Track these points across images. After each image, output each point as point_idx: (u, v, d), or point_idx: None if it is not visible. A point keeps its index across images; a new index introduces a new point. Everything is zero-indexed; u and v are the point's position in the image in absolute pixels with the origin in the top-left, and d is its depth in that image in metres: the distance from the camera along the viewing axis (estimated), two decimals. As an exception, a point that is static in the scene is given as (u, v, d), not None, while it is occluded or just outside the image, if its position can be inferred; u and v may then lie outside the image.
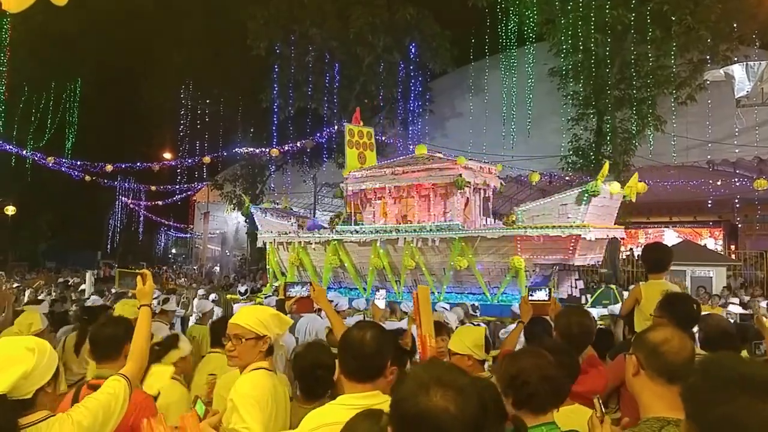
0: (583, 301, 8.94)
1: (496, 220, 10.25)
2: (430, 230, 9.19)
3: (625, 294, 10.20)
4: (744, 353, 3.82)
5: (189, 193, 25.40)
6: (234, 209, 22.60)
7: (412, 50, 20.35)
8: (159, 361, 3.11)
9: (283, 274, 11.17)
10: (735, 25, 13.92)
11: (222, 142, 22.53)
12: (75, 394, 2.41)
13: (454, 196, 9.18)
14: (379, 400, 1.89)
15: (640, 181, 14.43)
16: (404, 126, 21.49)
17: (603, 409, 1.84)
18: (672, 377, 1.63)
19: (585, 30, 14.46)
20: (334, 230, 10.41)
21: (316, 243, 10.55)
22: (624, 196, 8.99)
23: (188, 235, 31.72)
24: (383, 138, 20.23)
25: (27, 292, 11.82)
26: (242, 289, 11.65)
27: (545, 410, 1.86)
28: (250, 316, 2.32)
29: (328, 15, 19.19)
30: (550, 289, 3.81)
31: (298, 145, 19.32)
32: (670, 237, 21.37)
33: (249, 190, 22.84)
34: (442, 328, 3.92)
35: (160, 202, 26.25)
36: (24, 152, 21.12)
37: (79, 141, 24.27)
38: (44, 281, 15.57)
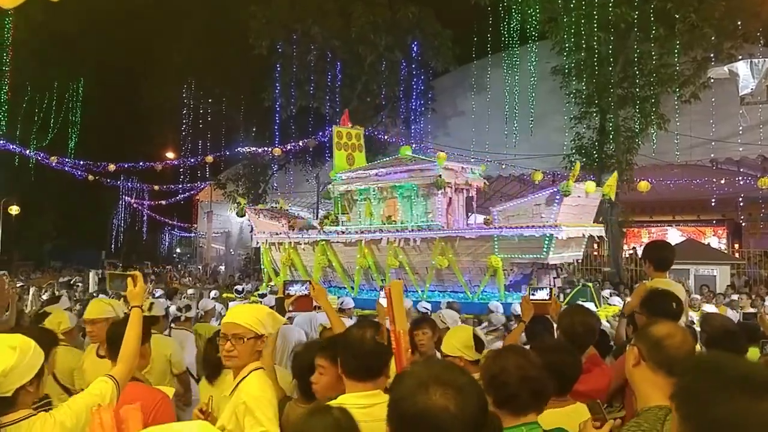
0: (561, 298, 9.04)
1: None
2: (412, 230, 9.42)
3: (607, 293, 10.41)
4: (755, 352, 3.81)
5: (192, 192, 25.46)
6: (235, 209, 22.68)
7: (414, 49, 20.31)
8: None
9: (276, 273, 11.41)
10: (739, 23, 13.84)
11: (224, 142, 22.59)
12: None
13: (435, 196, 9.35)
14: (380, 399, 1.90)
15: (643, 180, 14.56)
16: (406, 125, 21.47)
17: (604, 412, 1.80)
18: (672, 370, 1.66)
19: (588, 28, 14.39)
20: (321, 231, 10.67)
21: (305, 243, 10.82)
22: (603, 195, 9.12)
23: (192, 235, 31.79)
24: (385, 137, 20.23)
25: (31, 290, 11.87)
26: (239, 287, 11.80)
27: (525, 412, 1.80)
28: (249, 314, 2.26)
29: (330, 14, 19.17)
30: (551, 289, 3.76)
31: (301, 144, 19.35)
32: (674, 235, 21.29)
33: (252, 189, 22.90)
34: (423, 321, 3.89)
35: (163, 202, 26.32)
36: (27, 152, 21.22)
37: (81, 141, 24.36)
38: (48, 280, 15.63)
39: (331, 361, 2.25)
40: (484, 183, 10.40)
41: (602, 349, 3.44)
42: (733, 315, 7.08)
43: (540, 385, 1.84)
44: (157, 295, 10.58)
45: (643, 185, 14.15)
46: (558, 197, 8.29)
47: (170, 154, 24.35)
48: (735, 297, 9.50)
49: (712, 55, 14.21)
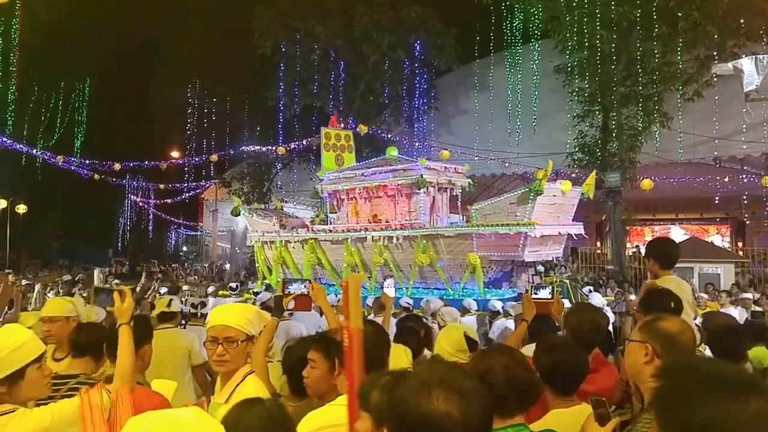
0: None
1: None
2: (395, 229, 9.69)
3: (587, 290, 10.52)
4: (761, 351, 3.78)
5: (197, 191, 25.62)
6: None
7: (417, 48, 20.34)
8: None
9: (270, 271, 11.71)
10: (742, 21, 13.80)
11: (229, 141, 22.72)
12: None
13: (418, 195, 9.58)
14: None
15: (646, 178, 14.56)
16: (409, 123, 21.52)
17: (609, 411, 1.73)
18: None
19: (590, 26, 14.40)
20: (311, 229, 11.01)
21: (295, 242, 11.11)
22: (582, 194, 9.27)
23: (198, 233, 31.98)
24: (389, 135, 20.30)
25: (36, 288, 12.02)
26: (234, 284, 12.15)
27: (512, 413, 1.73)
28: (239, 315, 2.16)
29: (333, 13, 19.23)
30: (553, 287, 3.73)
31: (304, 143, 19.45)
32: (677, 234, 21.25)
33: (256, 188, 23.03)
34: (381, 309, 3.89)
35: (168, 200, 26.49)
36: (34, 151, 21.44)
37: (87, 140, 24.56)
38: (54, 278, 15.81)
39: (323, 354, 2.22)
40: (469, 182, 10.62)
41: (605, 347, 3.41)
42: (739, 313, 7.09)
43: (527, 385, 1.78)
44: (162, 292, 10.78)
45: (646, 183, 14.16)
46: (531, 196, 8.51)
47: (175, 153, 24.50)
48: (748, 295, 9.41)
49: (715, 53, 14.17)
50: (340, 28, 19.29)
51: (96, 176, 21.23)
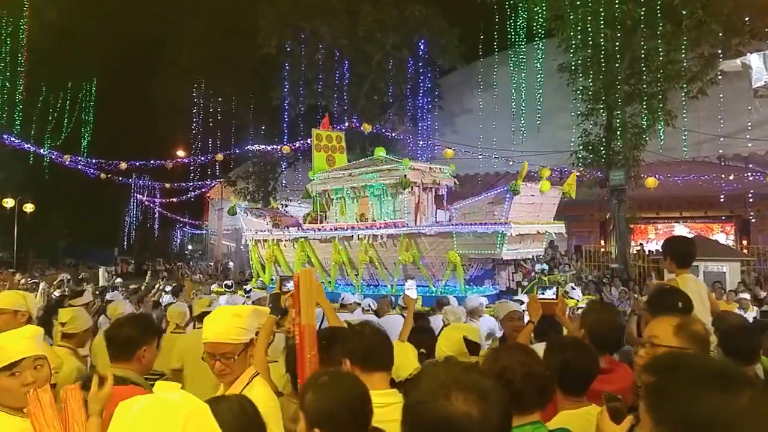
0: (520, 291, 9.70)
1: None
2: (379, 227, 9.99)
3: (570, 287, 10.66)
4: None
5: (203, 190, 25.75)
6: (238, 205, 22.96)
7: (421, 47, 20.39)
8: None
9: (263, 269, 12.05)
10: (747, 19, 13.77)
11: (234, 140, 22.83)
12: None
13: (402, 195, 9.84)
14: (396, 399, 1.88)
15: (650, 176, 14.57)
16: (413, 122, 21.57)
17: (623, 406, 1.64)
18: None
19: (594, 25, 14.42)
20: (301, 228, 11.34)
21: (286, 240, 11.41)
22: (564, 194, 9.43)
23: (203, 232, 32.14)
24: (393, 134, 20.36)
25: (41, 286, 12.14)
26: (229, 282, 12.36)
27: (531, 410, 1.71)
28: (230, 326, 2.05)
29: (338, 13, 19.31)
30: (557, 288, 3.73)
31: (309, 142, 19.50)
32: (681, 232, 21.23)
33: (261, 186, 23.15)
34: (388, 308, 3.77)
35: (174, 199, 26.64)
36: (41, 151, 21.63)
37: (94, 139, 24.76)
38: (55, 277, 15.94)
39: (322, 351, 2.16)
40: (455, 182, 10.85)
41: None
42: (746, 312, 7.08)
43: (544, 381, 1.77)
44: (167, 291, 10.91)
45: (651, 181, 14.17)
46: (508, 195, 8.71)
47: (181, 153, 24.63)
48: (745, 296, 9.36)
49: (720, 51, 14.16)
50: (344, 28, 19.36)
51: (102, 175, 21.36)
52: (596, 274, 16.08)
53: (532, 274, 15.03)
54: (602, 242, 21.15)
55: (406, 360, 2.51)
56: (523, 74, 18.15)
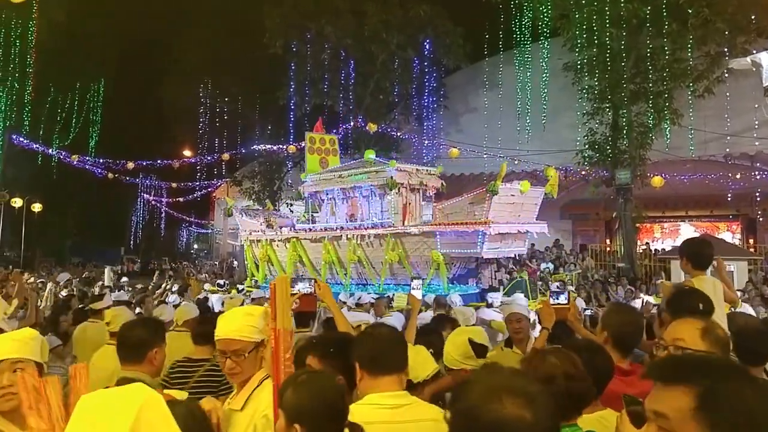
0: (501, 291, 9.88)
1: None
2: (366, 228, 10.27)
3: (555, 286, 10.90)
4: None
5: (209, 189, 25.87)
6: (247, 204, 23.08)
7: (426, 46, 20.43)
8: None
9: (258, 269, 12.31)
10: (753, 17, 13.75)
11: (240, 140, 22.92)
12: None
13: (389, 195, 10.08)
14: (407, 400, 1.87)
15: (656, 175, 14.56)
16: (419, 122, 21.61)
17: (643, 409, 1.64)
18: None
19: (600, 24, 14.42)
20: (293, 228, 11.66)
21: (278, 240, 11.71)
22: (546, 194, 9.68)
23: (209, 231, 32.29)
24: (398, 134, 20.42)
25: (48, 286, 12.25)
26: (221, 281, 12.58)
27: (572, 416, 1.71)
28: (243, 324, 2.06)
29: (343, 12, 19.38)
30: (569, 293, 3.71)
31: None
32: (687, 231, 21.17)
33: (267, 186, 23.23)
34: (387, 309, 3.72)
35: (180, 199, 26.78)
36: (50, 151, 21.81)
37: (101, 139, 24.91)
38: (67, 276, 16.06)
39: (320, 360, 2.10)
40: (442, 184, 11.14)
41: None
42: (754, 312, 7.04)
43: (585, 387, 1.76)
44: (175, 290, 11.01)
45: (657, 180, 14.15)
46: (488, 196, 8.92)
47: (187, 152, 24.79)
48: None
49: (725, 49, 14.14)
50: (349, 28, 19.42)
51: (110, 175, 21.52)
52: (602, 273, 16.07)
53: (538, 273, 15.09)
54: (608, 241, 21.12)
55: (421, 361, 2.50)
56: (528, 73, 18.16)
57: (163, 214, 29.54)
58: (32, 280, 14.03)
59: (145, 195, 27.57)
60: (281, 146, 20.30)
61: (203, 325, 3.11)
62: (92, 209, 28.23)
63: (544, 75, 17.60)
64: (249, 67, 21.13)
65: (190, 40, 21.74)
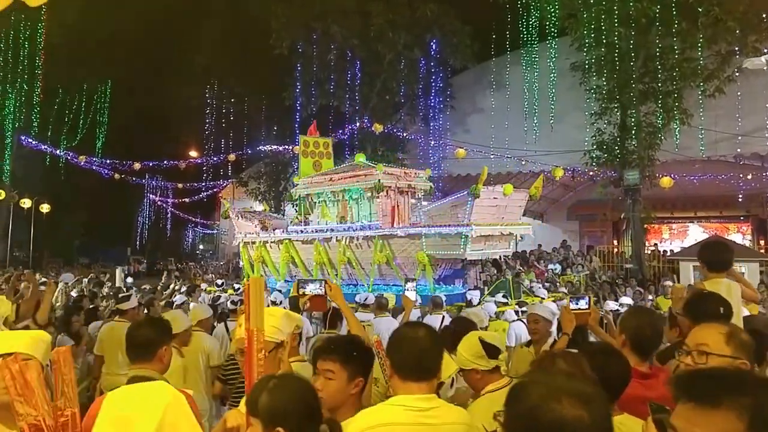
0: (485, 291, 10.20)
1: None
2: (355, 230, 10.56)
3: (537, 285, 10.97)
4: None
5: (215, 190, 25.94)
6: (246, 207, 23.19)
7: (433, 46, 20.37)
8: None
9: (253, 270, 12.61)
10: (764, 15, 13.61)
11: (246, 140, 22.96)
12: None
13: (378, 198, 10.36)
14: (436, 403, 1.86)
15: (665, 176, 14.43)
16: (425, 122, 21.54)
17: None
18: None
19: (608, 23, 14.32)
20: (285, 230, 11.95)
21: (272, 242, 12.01)
22: (530, 197, 9.94)
23: (215, 232, 32.38)
24: (404, 134, 20.36)
25: (59, 286, 12.28)
26: (219, 281, 12.77)
27: None
28: (266, 325, 2.06)
29: (349, 12, 19.36)
30: (590, 297, 3.66)
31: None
32: (696, 232, 21.00)
33: (273, 187, 23.27)
34: (380, 310, 3.70)
35: (186, 200, 26.86)
36: (58, 152, 21.93)
37: (108, 140, 25.02)
38: (76, 276, 16.13)
39: (341, 364, 2.04)
40: (430, 186, 11.47)
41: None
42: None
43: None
44: (183, 291, 11.03)
45: (666, 181, 14.02)
46: (470, 198, 9.17)
47: (194, 153, 24.86)
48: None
49: (737, 48, 14.00)
50: (356, 28, 19.40)
51: (116, 176, 21.62)
52: (610, 274, 15.95)
53: (546, 274, 15.02)
54: (615, 242, 20.99)
55: (444, 364, 2.34)
56: (535, 73, 18.07)
57: (169, 215, 29.65)
58: (44, 281, 14.08)
59: (151, 195, 27.68)
60: (287, 147, 20.30)
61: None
62: (99, 210, 28.35)
63: (552, 75, 17.50)
64: (255, 67, 21.16)
65: (196, 41, 21.81)
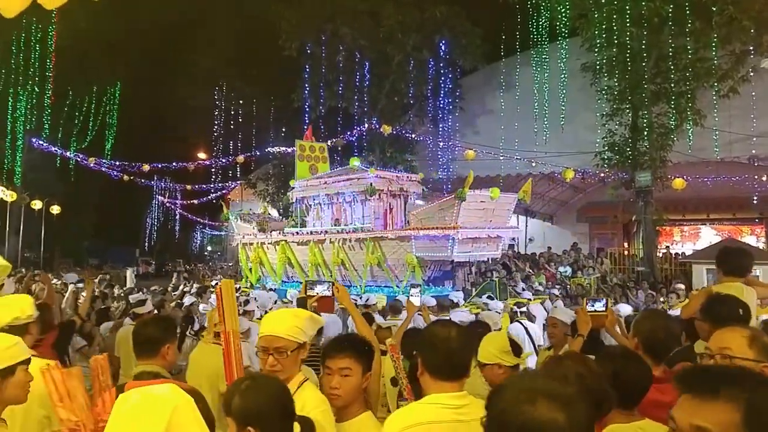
0: (472, 292, 10.32)
1: None
2: (348, 232, 10.78)
3: (521, 287, 11.00)
4: None
5: (223, 191, 26.01)
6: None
7: (442, 47, 20.29)
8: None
9: (251, 270, 12.84)
10: (780, 14, 13.40)
11: (255, 142, 23.02)
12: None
13: (370, 201, 10.55)
14: (468, 400, 1.87)
15: (677, 177, 14.25)
16: (434, 123, 21.46)
17: None
18: None
19: (620, 23, 14.17)
20: (281, 232, 12.21)
21: (269, 243, 12.28)
22: (519, 200, 10.11)
23: (223, 233, 32.46)
24: (413, 135, 20.29)
25: (70, 287, 12.33)
26: (215, 281, 12.94)
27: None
28: (289, 323, 2.11)
29: (359, 14, 19.34)
30: (607, 300, 3.59)
31: (329, 144, 19.56)
32: (708, 234, 20.74)
33: (281, 188, 23.26)
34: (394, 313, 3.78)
35: (195, 201, 26.96)
36: (68, 154, 22.09)
37: (117, 142, 25.19)
38: (86, 277, 16.17)
39: (358, 362, 2.10)
40: (423, 189, 11.75)
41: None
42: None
43: (601, 395, 1.71)
44: (192, 292, 11.03)
45: (678, 183, 13.84)
46: (456, 202, 9.35)
47: (202, 155, 24.94)
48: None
49: (751, 48, 13.79)
50: (365, 29, 19.37)
51: (125, 177, 21.74)
52: (621, 277, 15.78)
53: (556, 277, 14.89)
54: (626, 245, 20.77)
55: None
56: (546, 74, 17.94)
57: (177, 216, 29.77)
58: (56, 281, 14.17)
59: (159, 197, 27.81)
60: (295, 148, 20.29)
61: None
62: (108, 211, 28.54)
63: (563, 75, 17.36)
64: (264, 69, 21.20)
65: (205, 43, 21.89)
